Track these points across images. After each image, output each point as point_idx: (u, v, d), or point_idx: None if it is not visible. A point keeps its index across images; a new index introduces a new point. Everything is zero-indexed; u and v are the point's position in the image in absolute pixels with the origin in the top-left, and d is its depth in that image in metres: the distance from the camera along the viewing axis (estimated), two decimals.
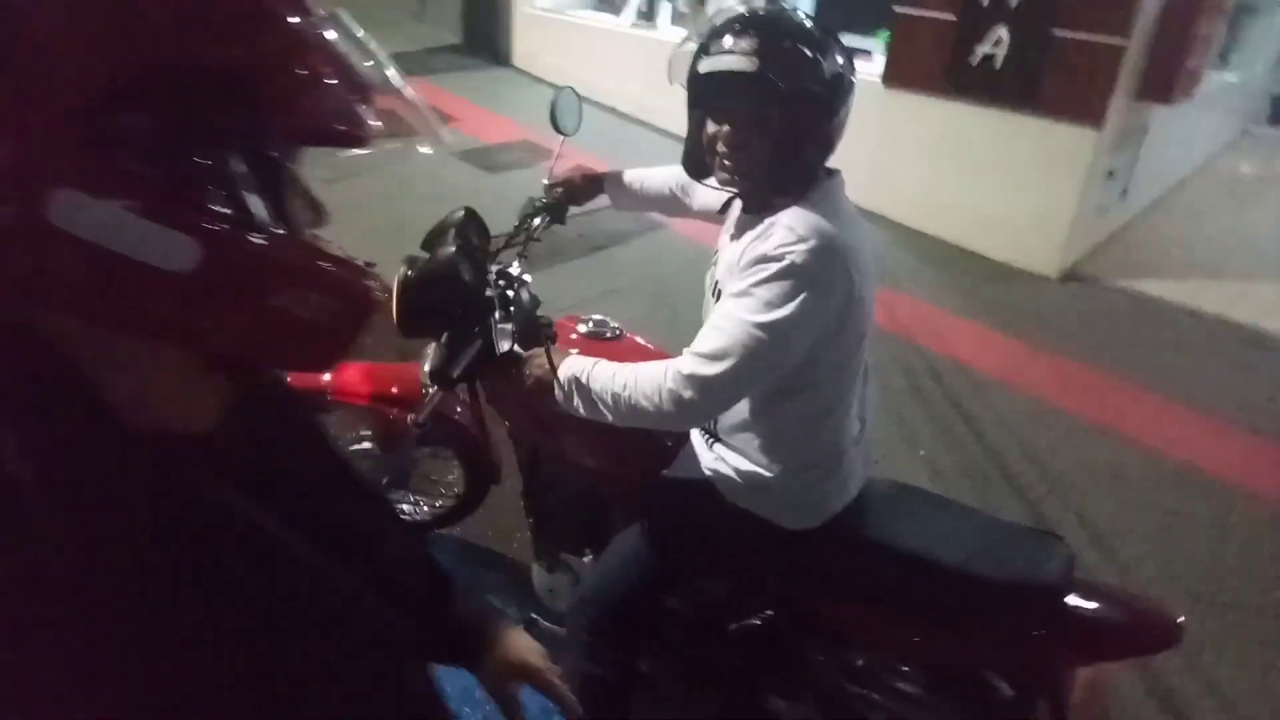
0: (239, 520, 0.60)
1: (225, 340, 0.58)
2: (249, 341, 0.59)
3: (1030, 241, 5.16)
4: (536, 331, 1.61)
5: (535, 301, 1.64)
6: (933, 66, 5.33)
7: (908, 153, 5.57)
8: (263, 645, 0.59)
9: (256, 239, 0.55)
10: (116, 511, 0.54)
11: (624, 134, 7.04)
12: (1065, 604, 1.50)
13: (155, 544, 0.54)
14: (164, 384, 0.60)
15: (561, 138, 2.08)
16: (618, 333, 1.95)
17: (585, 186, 2.05)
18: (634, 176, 2.03)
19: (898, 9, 5.46)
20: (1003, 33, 4.99)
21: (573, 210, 2.08)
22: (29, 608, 0.49)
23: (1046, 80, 4.87)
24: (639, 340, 1.98)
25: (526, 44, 8.35)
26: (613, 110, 7.44)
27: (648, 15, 7.67)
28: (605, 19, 7.89)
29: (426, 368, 1.88)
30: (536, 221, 2.02)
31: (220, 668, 0.56)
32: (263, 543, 0.62)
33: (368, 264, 0.65)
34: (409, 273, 1.79)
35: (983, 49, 5.11)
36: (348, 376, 2.21)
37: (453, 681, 0.91)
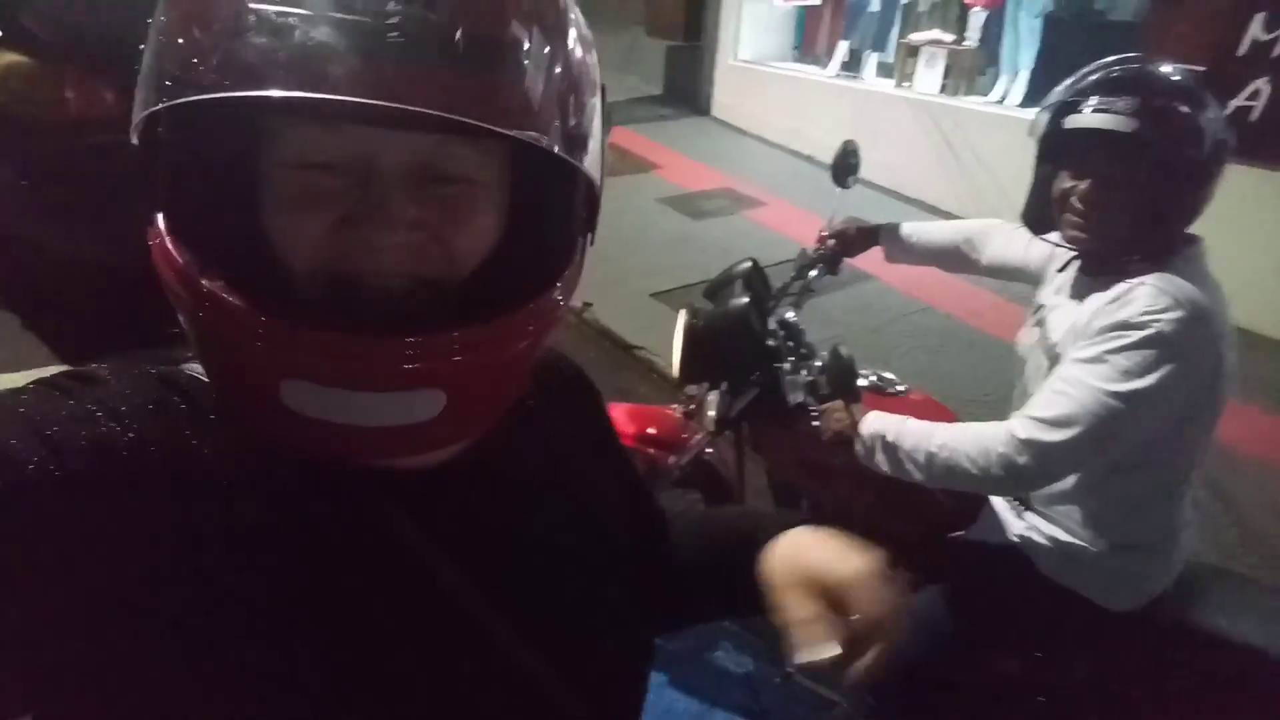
0: (409, 561, 0.59)
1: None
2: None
3: None
4: (852, 387, 1.61)
5: (852, 359, 1.64)
6: None
7: None
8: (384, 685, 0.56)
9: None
10: (295, 529, 0.56)
11: (828, 184, 6.94)
12: None
13: (316, 565, 0.56)
14: None
15: (838, 190, 2.10)
16: (904, 389, 1.92)
17: (859, 238, 2.06)
18: (912, 229, 2.02)
19: None
20: (1262, 84, 4.62)
21: (845, 261, 2.09)
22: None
23: None
24: (929, 396, 1.94)
25: (727, 95, 8.51)
26: (811, 159, 7.41)
27: (851, 66, 7.66)
28: (809, 70, 7.92)
29: (712, 414, 1.92)
30: (813, 273, 2.04)
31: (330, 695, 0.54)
32: (424, 589, 0.60)
33: (585, 304, 0.65)
34: (697, 321, 1.85)
35: (1236, 102, 4.75)
36: (613, 416, 2.28)
37: None
